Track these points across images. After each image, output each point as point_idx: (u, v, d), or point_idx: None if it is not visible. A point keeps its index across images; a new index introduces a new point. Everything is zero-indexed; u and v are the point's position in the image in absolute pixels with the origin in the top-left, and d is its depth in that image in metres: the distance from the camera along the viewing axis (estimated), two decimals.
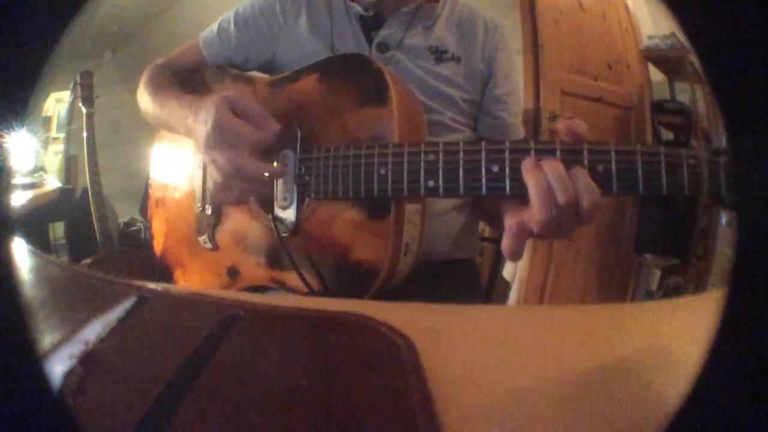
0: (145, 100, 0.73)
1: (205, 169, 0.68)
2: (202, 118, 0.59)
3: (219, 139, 0.58)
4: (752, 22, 0.25)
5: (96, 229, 0.91)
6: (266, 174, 0.59)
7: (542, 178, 0.46)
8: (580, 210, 0.45)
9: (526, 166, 0.47)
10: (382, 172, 0.54)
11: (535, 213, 0.46)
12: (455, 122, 0.71)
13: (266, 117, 0.59)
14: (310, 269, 0.60)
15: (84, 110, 0.93)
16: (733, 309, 0.25)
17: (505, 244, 0.49)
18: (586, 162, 0.47)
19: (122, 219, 0.96)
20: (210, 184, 0.66)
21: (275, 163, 0.61)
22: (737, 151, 0.26)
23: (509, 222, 0.48)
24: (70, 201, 0.98)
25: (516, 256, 0.49)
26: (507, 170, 0.49)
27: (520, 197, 0.48)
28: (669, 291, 0.91)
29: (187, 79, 0.76)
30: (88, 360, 0.32)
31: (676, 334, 0.39)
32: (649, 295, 0.95)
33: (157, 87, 0.72)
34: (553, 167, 0.46)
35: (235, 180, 0.59)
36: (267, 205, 0.63)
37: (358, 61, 0.63)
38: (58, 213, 0.97)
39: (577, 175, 0.46)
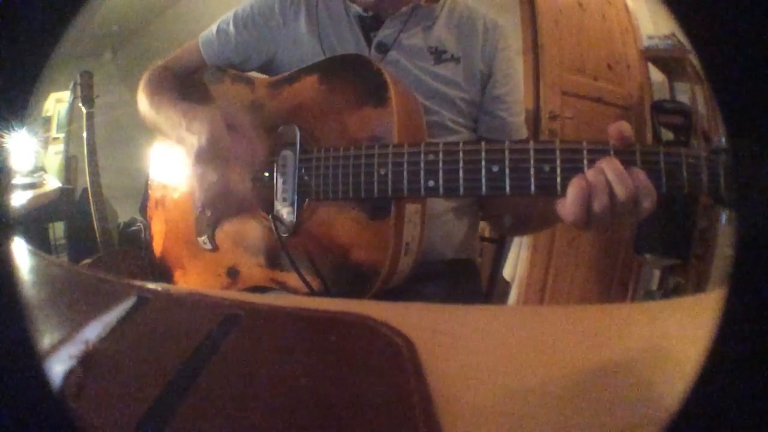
0: (143, 103, 0.73)
1: None
2: (195, 129, 0.59)
3: (212, 153, 0.58)
4: (752, 22, 0.25)
5: (96, 229, 0.91)
6: (261, 193, 0.61)
7: (583, 181, 0.47)
8: (638, 205, 0.46)
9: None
10: (382, 172, 0.54)
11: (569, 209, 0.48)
12: (454, 123, 0.70)
13: (259, 136, 0.60)
14: (310, 269, 0.60)
15: (84, 110, 0.93)
16: (733, 309, 0.25)
17: (568, 208, 0.49)
18: (585, 162, 0.48)
19: (122, 219, 0.96)
20: (204, 196, 0.66)
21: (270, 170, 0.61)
22: (736, 150, 0.26)
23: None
24: (70, 201, 0.98)
25: (580, 223, 0.48)
26: (507, 170, 0.49)
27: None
28: (669, 291, 0.91)
29: (186, 81, 0.76)
30: (88, 360, 0.32)
31: (676, 334, 0.39)
32: (649, 295, 0.95)
33: (155, 91, 0.72)
34: (611, 164, 0.47)
35: (227, 198, 0.60)
36: (267, 205, 0.63)
37: (357, 61, 0.63)
38: (58, 213, 0.97)
39: (637, 174, 0.46)
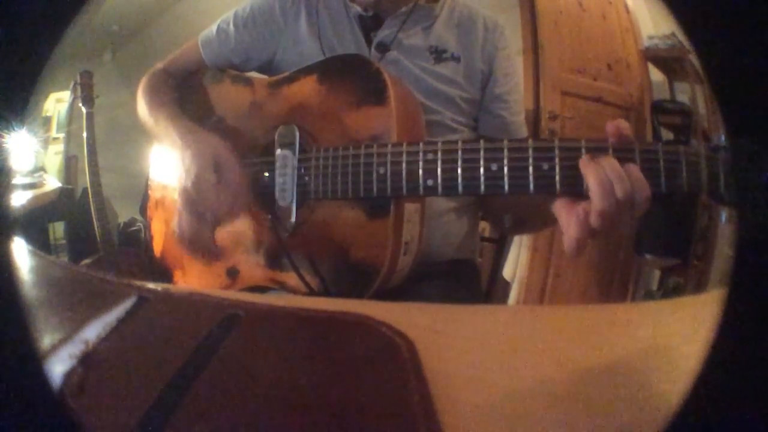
0: (142, 109, 0.73)
1: None
2: (186, 163, 0.60)
3: (191, 200, 0.60)
4: (752, 22, 0.25)
5: (96, 229, 0.91)
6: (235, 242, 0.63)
7: (601, 171, 0.46)
8: (635, 203, 0.46)
9: (584, 162, 0.47)
10: (381, 171, 0.54)
11: (595, 204, 0.46)
12: (454, 122, 0.70)
13: (243, 191, 0.61)
14: (310, 269, 0.60)
15: (84, 110, 0.93)
16: (733, 309, 0.25)
17: (568, 242, 0.48)
18: None
19: (122, 219, 0.96)
20: (179, 225, 0.67)
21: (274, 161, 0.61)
22: (736, 149, 0.26)
23: (569, 219, 0.48)
24: (70, 201, 0.98)
25: (580, 251, 0.48)
26: (505, 169, 0.49)
27: (572, 195, 0.48)
28: (669, 291, 0.91)
29: (186, 82, 0.76)
30: (88, 360, 0.32)
31: (676, 334, 0.39)
32: (649, 295, 0.95)
33: (154, 98, 0.73)
34: (609, 163, 0.46)
35: (202, 240, 0.62)
36: (266, 205, 0.63)
37: (357, 61, 0.63)
38: (58, 213, 0.97)
39: (631, 170, 0.46)
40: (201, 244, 0.61)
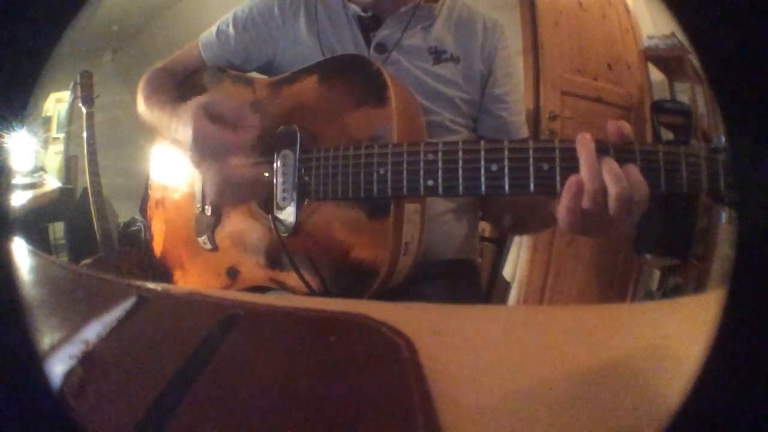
0: (140, 105, 0.73)
1: None
2: (181, 132, 0.59)
3: (201, 152, 0.58)
4: (752, 22, 0.25)
5: (96, 229, 0.91)
6: (261, 175, 0.60)
7: (592, 155, 0.46)
8: (633, 204, 0.46)
9: (581, 139, 0.47)
10: (382, 171, 0.54)
11: (585, 184, 0.46)
12: (454, 123, 0.70)
13: (244, 113, 0.59)
14: (310, 269, 0.60)
15: (84, 110, 0.93)
16: (733, 309, 0.25)
17: (560, 213, 0.49)
18: None
19: (122, 219, 0.96)
20: (208, 192, 0.67)
21: (274, 161, 0.61)
22: (736, 149, 0.26)
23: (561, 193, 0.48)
24: (70, 201, 0.98)
25: (571, 226, 0.49)
26: (506, 169, 0.49)
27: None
28: (669, 291, 0.91)
29: (186, 82, 0.76)
30: (88, 360, 0.32)
31: (676, 334, 0.39)
32: (649, 295, 0.95)
33: (151, 93, 0.72)
34: (608, 164, 0.46)
35: (230, 188, 0.59)
36: (267, 205, 0.63)
37: (357, 61, 0.63)
38: (58, 213, 0.97)
39: (630, 171, 0.46)
40: (240, 182, 0.59)
